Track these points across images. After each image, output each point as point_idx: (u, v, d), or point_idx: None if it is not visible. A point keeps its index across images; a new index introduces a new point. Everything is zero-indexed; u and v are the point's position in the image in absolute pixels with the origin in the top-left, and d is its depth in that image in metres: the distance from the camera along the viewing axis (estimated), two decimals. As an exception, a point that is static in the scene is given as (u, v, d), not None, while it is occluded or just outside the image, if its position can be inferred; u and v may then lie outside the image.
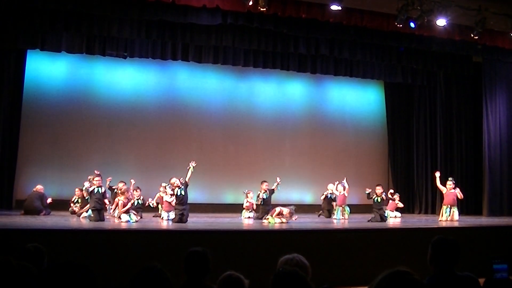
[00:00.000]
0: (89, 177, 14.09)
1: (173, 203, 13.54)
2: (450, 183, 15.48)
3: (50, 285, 2.79)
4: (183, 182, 13.13)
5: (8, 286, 3.86)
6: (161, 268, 3.38)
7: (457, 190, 15.51)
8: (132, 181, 15.14)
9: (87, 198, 13.43)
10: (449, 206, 15.28)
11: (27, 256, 5.36)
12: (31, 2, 13.74)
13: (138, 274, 3.38)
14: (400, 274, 2.38)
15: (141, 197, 15.34)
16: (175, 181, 13.19)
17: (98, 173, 13.61)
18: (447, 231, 13.02)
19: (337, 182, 16.51)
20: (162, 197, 14.96)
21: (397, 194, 17.57)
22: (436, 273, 4.77)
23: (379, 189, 15.21)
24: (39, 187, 15.45)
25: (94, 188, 13.12)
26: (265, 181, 15.46)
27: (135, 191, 15.21)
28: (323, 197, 16.84)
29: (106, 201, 14.20)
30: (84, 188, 13.79)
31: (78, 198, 15.41)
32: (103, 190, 13.31)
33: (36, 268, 4.49)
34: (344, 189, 16.13)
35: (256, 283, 4.59)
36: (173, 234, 11.10)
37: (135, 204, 14.87)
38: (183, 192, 13.03)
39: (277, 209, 13.96)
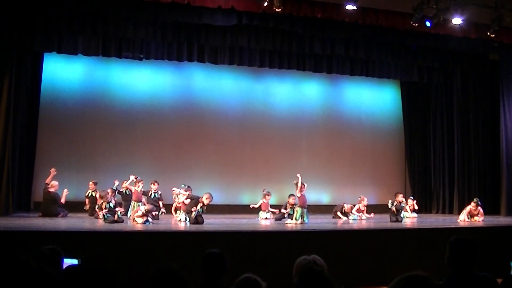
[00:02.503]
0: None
1: (186, 202, 13.65)
2: (474, 205, 15.31)
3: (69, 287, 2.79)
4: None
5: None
6: (178, 269, 3.38)
7: (480, 210, 15.38)
8: (131, 177, 15.02)
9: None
10: (469, 215, 15.23)
11: (44, 258, 5.38)
12: (47, 5, 13.83)
13: (154, 275, 3.39)
14: (419, 279, 2.37)
15: (159, 192, 15.34)
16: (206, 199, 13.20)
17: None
18: (465, 231, 12.95)
19: (364, 198, 16.46)
20: (177, 205, 15.01)
21: (411, 198, 17.60)
22: (454, 273, 4.75)
23: (400, 197, 15.22)
24: (54, 183, 15.35)
25: (106, 205, 13.22)
26: (292, 195, 14.89)
27: (152, 184, 15.24)
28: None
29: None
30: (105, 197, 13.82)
31: (92, 191, 15.53)
32: (113, 204, 13.34)
33: (54, 270, 4.51)
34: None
35: (273, 283, 4.58)
36: (190, 235, 11.13)
37: (152, 197, 14.96)
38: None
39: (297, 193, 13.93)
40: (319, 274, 3.59)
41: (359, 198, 16.46)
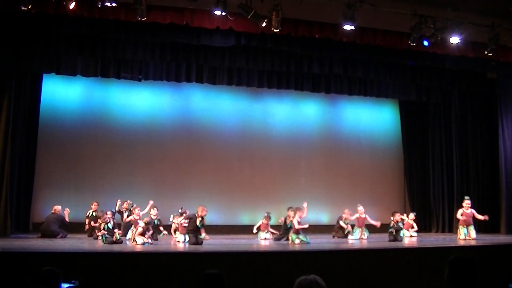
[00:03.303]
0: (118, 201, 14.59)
1: (184, 224, 13.65)
2: (467, 202, 15.37)
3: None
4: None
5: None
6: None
7: (473, 211, 15.45)
8: (128, 201, 14.98)
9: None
10: (465, 226, 15.20)
11: (42, 279, 5.37)
12: (46, 27, 13.89)
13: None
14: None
15: (158, 217, 15.27)
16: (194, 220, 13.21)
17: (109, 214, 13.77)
18: (465, 249, 12.92)
19: (359, 205, 16.34)
20: (177, 226, 14.96)
21: (412, 214, 17.53)
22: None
23: (397, 217, 15.22)
24: (57, 208, 15.52)
25: (104, 226, 13.24)
26: (290, 207, 15.08)
27: (152, 209, 15.15)
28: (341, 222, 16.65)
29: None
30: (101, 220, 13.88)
31: (93, 211, 15.52)
32: (112, 225, 13.38)
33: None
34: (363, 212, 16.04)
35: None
36: (189, 256, 11.10)
37: (152, 224, 14.93)
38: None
39: (295, 221, 13.89)
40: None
41: (358, 209, 16.32)
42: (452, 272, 4.79)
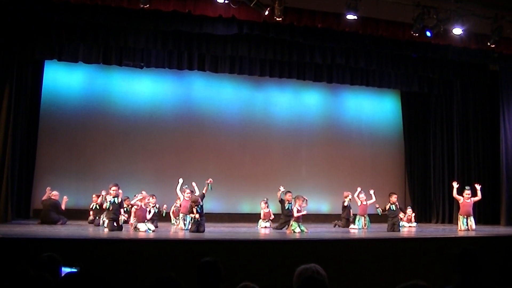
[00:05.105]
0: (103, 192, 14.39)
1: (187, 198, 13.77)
2: (468, 192, 15.33)
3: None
4: (201, 194, 13.28)
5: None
6: (176, 278, 3.37)
7: (475, 198, 15.40)
8: (138, 195, 14.83)
9: (107, 207, 13.34)
10: (465, 216, 15.16)
11: (43, 265, 5.37)
12: (48, 14, 13.85)
13: (153, 284, 3.38)
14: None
15: (157, 205, 15.19)
16: (196, 199, 13.23)
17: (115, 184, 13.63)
18: (465, 241, 12.90)
19: (359, 190, 16.29)
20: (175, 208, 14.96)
21: (409, 208, 17.61)
22: (460, 284, 4.72)
23: (394, 197, 15.08)
24: (53, 193, 15.41)
25: (111, 199, 13.15)
26: (289, 191, 15.23)
27: (151, 197, 15.07)
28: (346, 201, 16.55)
29: (122, 211, 14.19)
30: (103, 199, 13.87)
31: (96, 204, 15.43)
32: (119, 200, 13.33)
33: (52, 278, 4.50)
34: (367, 199, 16.06)
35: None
36: (190, 243, 11.09)
37: (151, 212, 14.88)
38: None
39: (294, 209, 13.93)
40: (320, 283, 3.59)
41: (359, 196, 16.28)
42: (460, 263, 4.79)
